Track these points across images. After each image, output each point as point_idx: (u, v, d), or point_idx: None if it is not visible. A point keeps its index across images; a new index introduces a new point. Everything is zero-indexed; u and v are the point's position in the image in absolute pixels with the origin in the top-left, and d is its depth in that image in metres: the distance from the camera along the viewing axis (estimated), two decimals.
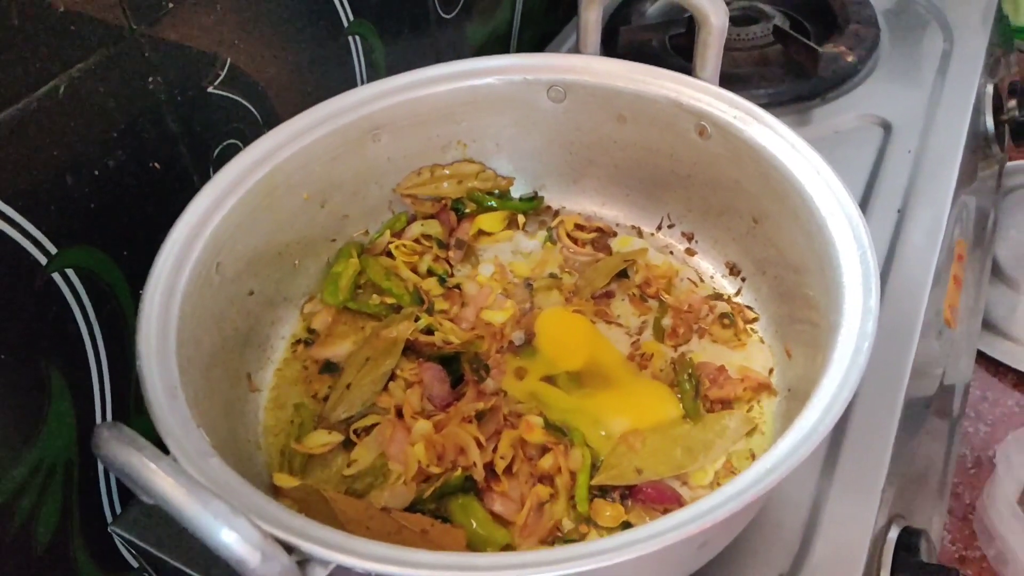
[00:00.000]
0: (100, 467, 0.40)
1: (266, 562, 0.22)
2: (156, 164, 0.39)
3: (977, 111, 0.59)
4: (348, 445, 0.37)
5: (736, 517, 0.29)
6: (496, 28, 0.63)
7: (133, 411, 0.41)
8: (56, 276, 0.35)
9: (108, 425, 0.22)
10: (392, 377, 0.39)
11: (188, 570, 0.36)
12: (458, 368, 0.39)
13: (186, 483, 0.21)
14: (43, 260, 0.34)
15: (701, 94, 0.40)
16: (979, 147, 0.62)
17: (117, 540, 0.41)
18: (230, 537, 0.21)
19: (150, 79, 0.37)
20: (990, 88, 0.64)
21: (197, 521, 0.21)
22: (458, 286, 0.44)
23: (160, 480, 0.21)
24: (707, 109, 0.40)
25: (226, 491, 0.25)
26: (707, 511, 0.26)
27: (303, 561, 0.24)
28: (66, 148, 0.34)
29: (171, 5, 0.37)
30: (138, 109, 0.37)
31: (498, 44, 0.64)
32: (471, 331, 0.41)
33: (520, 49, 0.67)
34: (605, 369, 0.39)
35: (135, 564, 0.42)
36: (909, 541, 0.38)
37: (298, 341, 0.42)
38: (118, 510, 0.41)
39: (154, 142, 0.39)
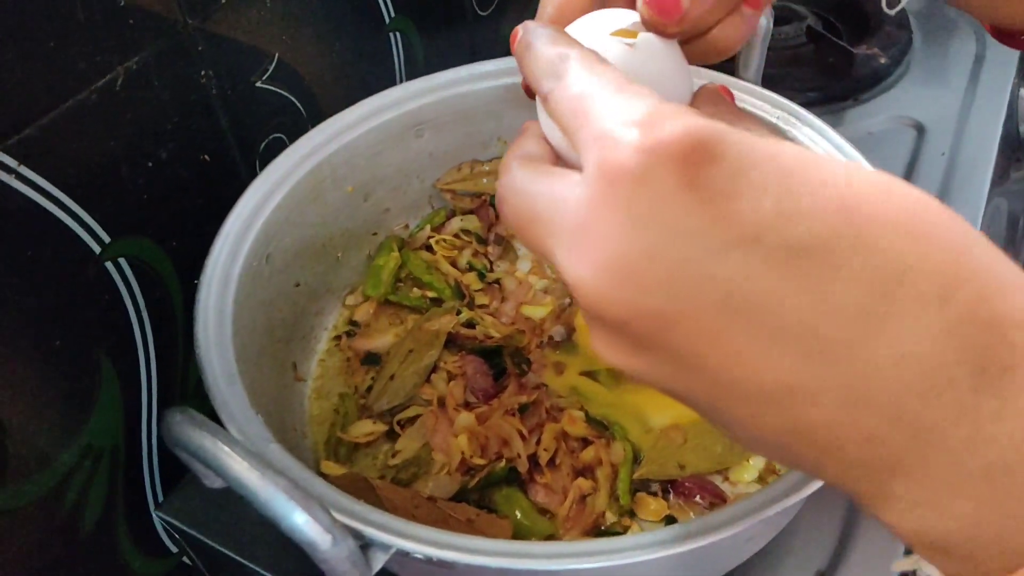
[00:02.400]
0: (144, 453, 0.40)
1: (336, 545, 0.22)
2: (206, 156, 0.40)
3: (1010, 114, 0.59)
4: (392, 435, 0.38)
5: (783, 514, 0.29)
6: None
7: (178, 399, 0.41)
8: (109, 265, 0.36)
9: (180, 409, 0.23)
10: (435, 369, 0.39)
11: (233, 555, 0.36)
12: (500, 362, 0.39)
13: (260, 467, 0.22)
14: (97, 249, 0.35)
15: (744, 94, 0.40)
16: (1012, 150, 0.62)
17: (160, 525, 0.41)
18: (303, 520, 0.22)
19: (202, 72, 0.38)
20: (1023, 92, 0.63)
21: (271, 504, 0.22)
22: (498, 281, 0.44)
23: (235, 463, 0.22)
24: (750, 109, 0.40)
25: (290, 477, 0.26)
26: (757, 507, 0.26)
27: (365, 545, 0.24)
28: (121, 139, 0.35)
29: (224, 0, 0.38)
30: (190, 102, 0.38)
31: None
32: (511, 326, 0.41)
33: None
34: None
35: (175, 549, 0.43)
36: None
37: (341, 334, 0.42)
38: (160, 496, 0.41)
39: (204, 135, 0.39)
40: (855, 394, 0.16)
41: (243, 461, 0.23)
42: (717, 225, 0.16)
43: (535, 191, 0.19)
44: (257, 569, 0.36)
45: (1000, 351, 0.15)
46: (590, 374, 0.39)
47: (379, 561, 0.25)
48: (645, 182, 0.16)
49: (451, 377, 0.39)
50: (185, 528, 0.38)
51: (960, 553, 0.16)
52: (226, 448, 0.23)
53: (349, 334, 0.42)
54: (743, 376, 0.16)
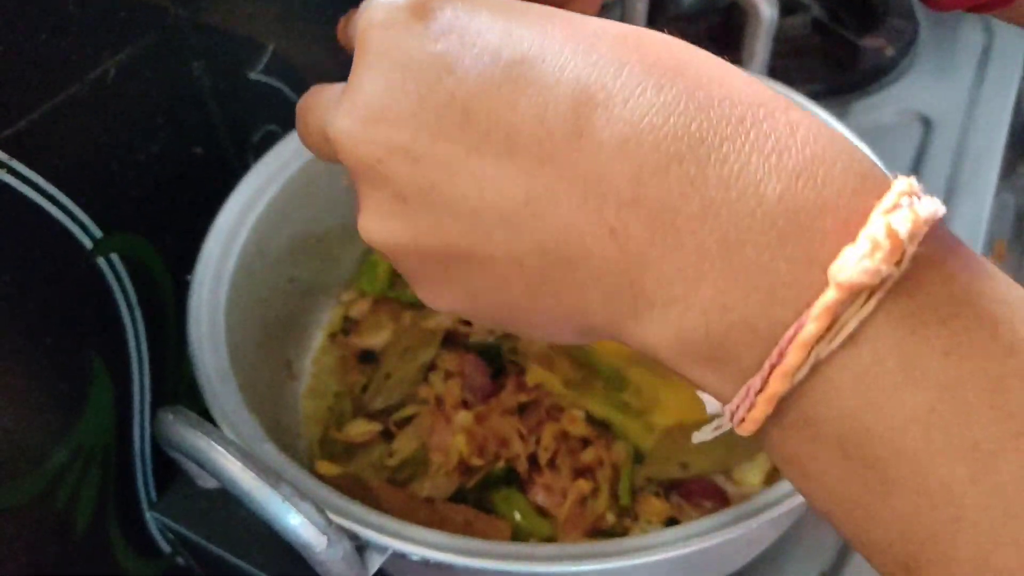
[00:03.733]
0: (137, 452, 0.40)
1: (331, 547, 0.22)
2: (199, 150, 0.39)
3: (1018, 107, 0.58)
4: (387, 435, 0.37)
5: (787, 515, 0.29)
6: None
7: (171, 397, 0.41)
8: (100, 261, 0.35)
9: (173, 409, 0.22)
10: (432, 367, 0.39)
11: (228, 555, 0.36)
12: (499, 361, 0.39)
13: (254, 467, 0.21)
14: (88, 244, 0.34)
15: None
16: (1019, 144, 0.61)
17: (154, 525, 0.41)
18: (297, 521, 0.21)
19: (195, 65, 0.37)
20: None
21: (266, 504, 0.21)
22: None
23: (229, 464, 0.21)
24: None
25: (285, 477, 0.25)
26: (759, 509, 0.26)
27: (361, 547, 0.24)
28: (113, 132, 0.34)
29: None
30: (182, 94, 0.37)
31: None
32: None
33: None
34: (649, 361, 0.38)
35: (168, 549, 0.43)
36: None
37: (336, 331, 0.42)
38: (153, 496, 0.41)
39: (197, 128, 0.38)
40: (589, 186, 0.16)
41: (237, 461, 0.22)
42: (448, 54, 0.17)
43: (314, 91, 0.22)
44: (252, 570, 0.35)
45: (720, 125, 0.15)
46: (592, 372, 0.39)
47: (375, 563, 0.25)
48: (387, 27, 0.18)
49: (448, 376, 0.38)
50: (179, 528, 0.37)
51: (720, 355, 0.16)
52: (220, 448, 0.23)
53: (345, 331, 0.41)
54: (490, 199, 0.17)
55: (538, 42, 0.17)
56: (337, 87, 0.20)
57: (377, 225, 0.18)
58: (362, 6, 0.20)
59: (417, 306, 0.42)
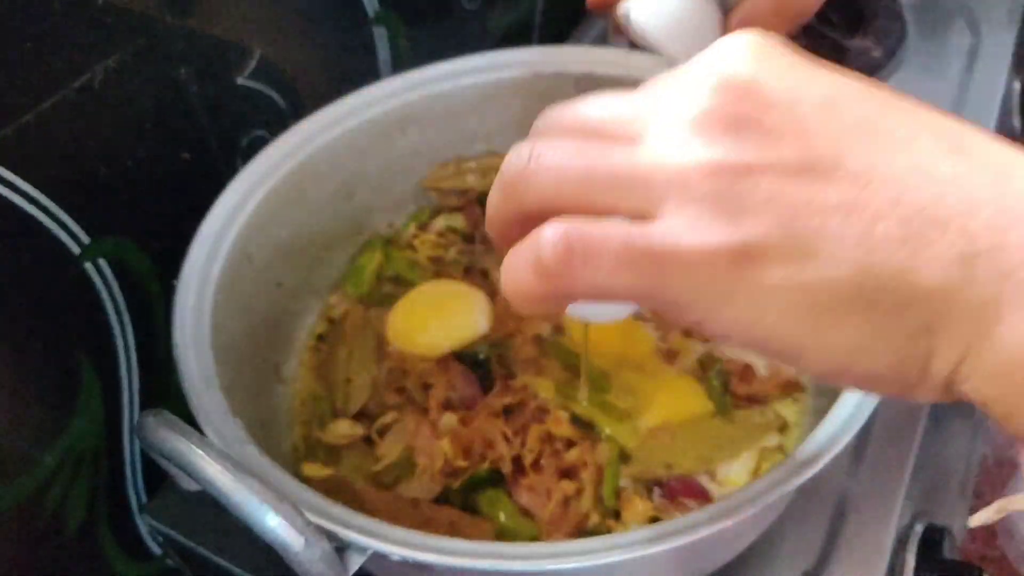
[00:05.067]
0: (127, 455, 0.40)
1: (309, 547, 0.22)
2: (186, 155, 0.39)
3: (1005, 108, 0.59)
4: (372, 440, 0.37)
5: (767, 511, 0.29)
6: (519, 17, 0.63)
7: (160, 400, 0.41)
8: (88, 266, 0.36)
9: (154, 412, 0.23)
10: (405, 374, 0.39)
11: (217, 558, 0.36)
12: (488, 372, 0.39)
13: (233, 469, 0.22)
14: (76, 250, 0.35)
15: None
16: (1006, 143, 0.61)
17: (144, 528, 0.41)
18: (276, 522, 0.21)
19: (182, 70, 0.38)
20: (1017, 85, 0.63)
21: (244, 506, 0.21)
22: (485, 272, 0.43)
23: (208, 466, 0.22)
24: None
25: (266, 479, 0.25)
26: (739, 505, 0.26)
27: (341, 548, 0.24)
28: (100, 138, 0.35)
29: None
30: (170, 100, 0.37)
31: (521, 32, 0.64)
32: (499, 324, 0.41)
33: (543, 36, 0.67)
34: (636, 360, 0.39)
35: (159, 552, 0.43)
36: (933, 538, 0.38)
37: (322, 334, 0.42)
38: (143, 498, 0.41)
39: (184, 133, 0.39)
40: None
41: (215, 463, 0.23)
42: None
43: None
44: (240, 572, 0.36)
45: None
46: (577, 374, 0.39)
47: (355, 563, 0.25)
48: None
49: (426, 386, 0.38)
50: (168, 531, 0.38)
51: None
52: (199, 451, 0.23)
53: (322, 336, 0.42)
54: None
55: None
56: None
57: (703, 133, 0.18)
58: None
59: (367, 304, 0.42)
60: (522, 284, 0.19)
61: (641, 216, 0.18)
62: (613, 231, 0.18)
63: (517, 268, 0.19)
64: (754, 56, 0.19)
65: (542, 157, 0.19)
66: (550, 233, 0.18)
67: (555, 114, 0.21)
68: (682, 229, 0.17)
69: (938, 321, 0.17)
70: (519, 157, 0.20)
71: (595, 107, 0.20)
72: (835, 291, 0.17)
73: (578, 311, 0.23)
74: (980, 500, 0.59)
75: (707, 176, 0.17)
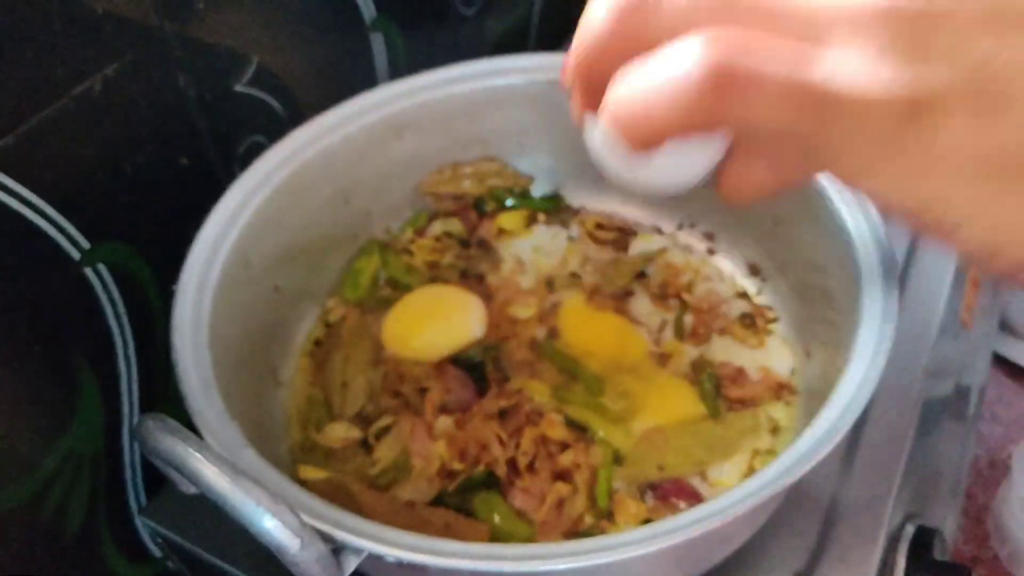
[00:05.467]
0: (126, 458, 0.40)
1: (305, 549, 0.22)
2: (184, 161, 0.40)
3: None
4: (368, 444, 0.37)
5: (757, 512, 0.29)
6: (515, 23, 0.63)
7: (160, 404, 0.41)
8: (88, 271, 0.36)
9: (152, 416, 0.23)
10: (402, 377, 0.39)
11: (216, 560, 0.37)
12: (484, 376, 0.39)
13: (230, 471, 0.22)
14: (76, 255, 0.35)
15: None
16: None
17: (144, 530, 0.42)
18: (272, 524, 0.22)
19: (181, 77, 0.38)
20: None
21: (241, 508, 0.22)
22: (481, 279, 0.44)
23: (205, 468, 0.22)
24: None
25: (262, 481, 0.26)
26: (729, 506, 0.26)
27: (337, 549, 0.25)
28: (99, 145, 0.35)
29: (201, 5, 0.38)
30: (168, 107, 0.38)
31: (516, 39, 0.64)
32: (494, 328, 0.41)
33: (539, 42, 0.67)
34: (629, 364, 0.39)
35: (159, 554, 0.43)
36: (924, 540, 0.38)
37: (320, 339, 0.42)
38: (143, 501, 0.42)
39: (183, 139, 0.39)
40: None
41: (213, 466, 0.23)
42: None
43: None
44: (241, 574, 0.36)
45: None
46: (573, 376, 0.39)
47: (351, 564, 0.25)
48: None
49: (422, 391, 0.38)
50: (168, 533, 0.38)
51: None
52: (196, 453, 0.23)
53: (319, 340, 0.42)
54: None
55: None
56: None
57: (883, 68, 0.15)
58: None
59: (364, 308, 0.42)
60: (652, 110, 0.16)
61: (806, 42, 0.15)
62: (779, 55, 0.15)
63: (647, 91, 0.16)
64: None
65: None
66: (703, 51, 0.15)
67: None
68: (856, 68, 0.15)
69: None
70: None
71: None
72: (1019, 157, 0.15)
73: (645, 172, 0.21)
74: (971, 502, 0.59)
75: (883, 16, 0.15)
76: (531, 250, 0.46)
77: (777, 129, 0.16)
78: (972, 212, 0.15)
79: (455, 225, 0.46)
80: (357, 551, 0.25)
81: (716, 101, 0.15)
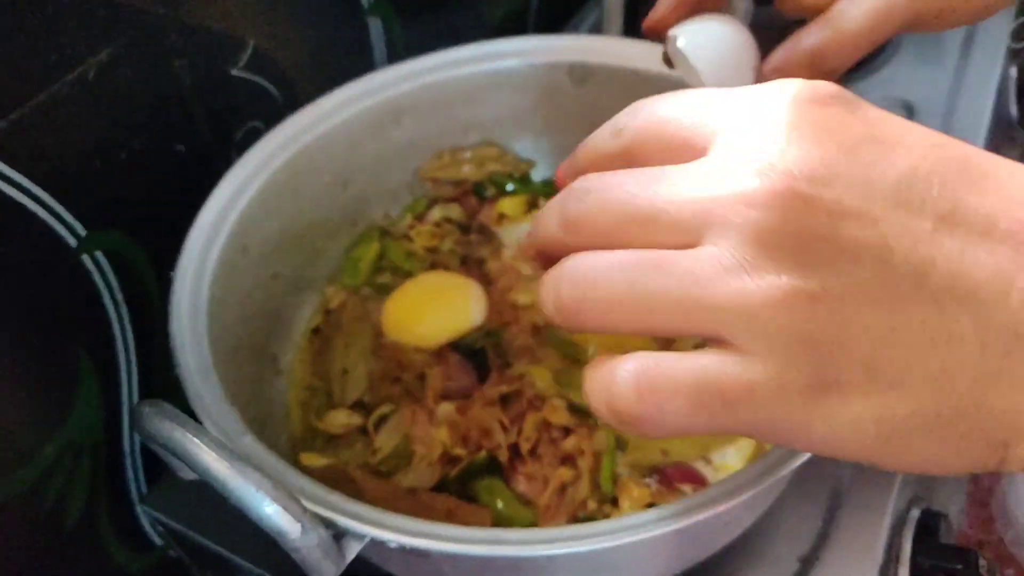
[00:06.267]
0: (126, 446, 0.40)
1: (305, 534, 0.22)
2: (181, 147, 0.39)
3: (1001, 94, 0.59)
4: (366, 430, 0.37)
5: (763, 495, 0.29)
6: (514, 6, 0.63)
7: (159, 392, 0.41)
8: (85, 258, 0.36)
9: (150, 402, 0.23)
10: (401, 365, 0.39)
11: (217, 547, 0.36)
12: (485, 362, 0.39)
13: (229, 457, 0.22)
14: (73, 243, 0.35)
15: None
16: (1002, 130, 0.61)
17: (145, 518, 0.41)
18: (272, 509, 0.22)
19: (176, 62, 0.38)
20: (1014, 72, 0.63)
21: (240, 494, 0.21)
22: (481, 262, 0.43)
23: (204, 455, 0.22)
24: None
25: (263, 468, 0.26)
26: (734, 489, 0.26)
27: (338, 535, 0.24)
28: (95, 131, 0.35)
29: None
30: (164, 92, 0.37)
31: (515, 22, 0.64)
32: (495, 314, 0.41)
33: (538, 26, 0.67)
34: (633, 348, 0.39)
35: (159, 542, 0.43)
36: (929, 523, 0.38)
37: (319, 325, 0.42)
38: (143, 489, 0.41)
39: (179, 125, 0.39)
40: None
41: (212, 452, 0.23)
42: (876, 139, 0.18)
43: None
44: (242, 561, 0.36)
45: None
46: (575, 361, 0.39)
47: (353, 550, 0.25)
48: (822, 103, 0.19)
49: (421, 377, 0.38)
50: (168, 521, 0.38)
51: None
52: (195, 440, 0.23)
53: (318, 327, 0.42)
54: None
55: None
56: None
57: (774, 270, 0.17)
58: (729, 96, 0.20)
59: (364, 295, 0.42)
60: (601, 414, 0.20)
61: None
62: (683, 374, 0.18)
63: (595, 397, 0.20)
64: (813, 133, 0.18)
65: (596, 265, 0.20)
66: (621, 378, 0.19)
67: (598, 183, 0.20)
68: (754, 366, 0.17)
69: (1015, 436, 0.16)
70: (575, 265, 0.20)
71: (639, 185, 0.19)
72: (914, 420, 0.16)
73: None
74: (977, 485, 0.59)
75: (779, 309, 0.17)
76: None
77: (702, 429, 0.19)
78: (886, 461, 0.18)
79: (455, 211, 0.46)
80: (359, 537, 0.24)
81: (642, 417, 0.19)
